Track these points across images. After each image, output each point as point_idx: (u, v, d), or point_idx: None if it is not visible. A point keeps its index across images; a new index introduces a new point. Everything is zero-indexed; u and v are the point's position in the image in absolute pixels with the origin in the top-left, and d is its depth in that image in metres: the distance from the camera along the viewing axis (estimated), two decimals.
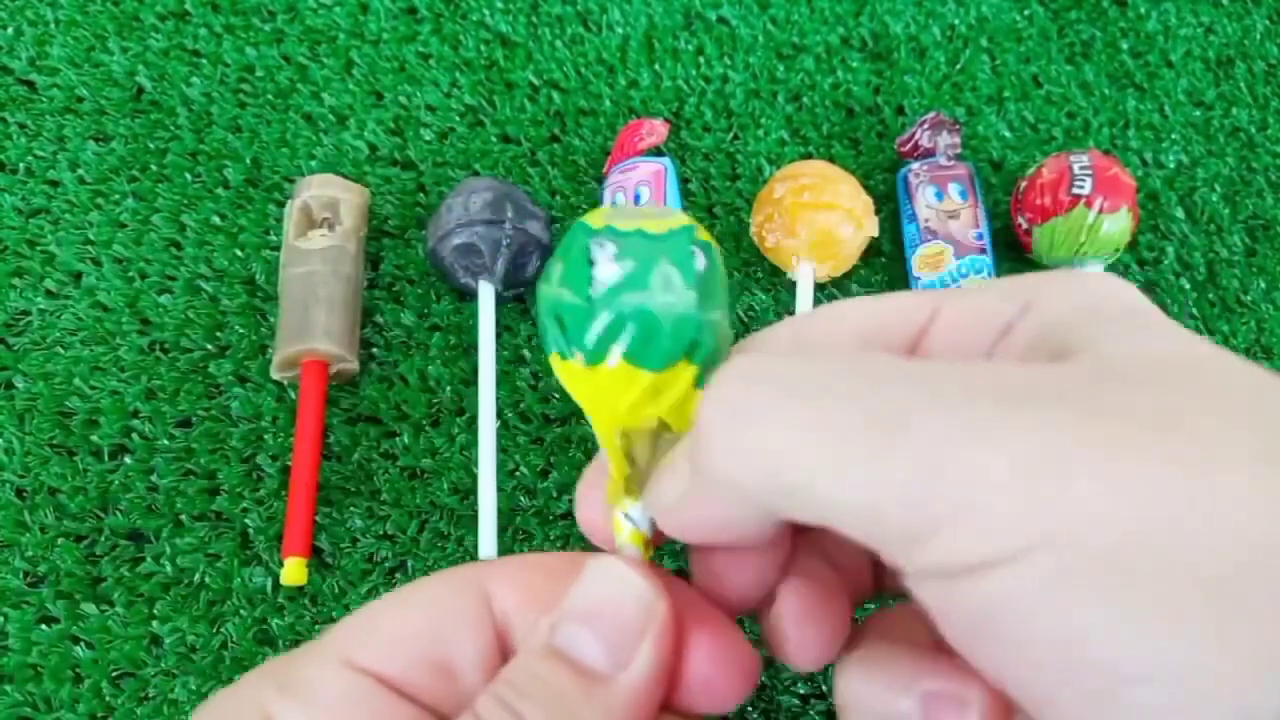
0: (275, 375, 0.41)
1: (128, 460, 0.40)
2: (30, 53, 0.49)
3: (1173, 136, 0.51)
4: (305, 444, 0.39)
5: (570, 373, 0.19)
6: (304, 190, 0.43)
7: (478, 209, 0.42)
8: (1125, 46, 0.53)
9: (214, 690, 0.36)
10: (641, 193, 0.44)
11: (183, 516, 0.39)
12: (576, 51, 0.51)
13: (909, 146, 0.47)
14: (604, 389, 0.19)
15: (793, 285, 0.44)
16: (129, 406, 0.41)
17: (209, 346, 0.43)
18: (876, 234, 0.44)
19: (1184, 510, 0.12)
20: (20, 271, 0.44)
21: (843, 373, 0.15)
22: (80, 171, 0.46)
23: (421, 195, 0.47)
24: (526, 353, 0.43)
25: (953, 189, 0.45)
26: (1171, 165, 0.50)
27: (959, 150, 0.46)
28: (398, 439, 0.41)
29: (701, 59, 0.52)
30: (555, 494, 0.40)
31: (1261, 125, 0.51)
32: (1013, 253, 0.46)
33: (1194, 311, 0.46)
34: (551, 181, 0.48)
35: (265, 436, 0.41)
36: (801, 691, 0.37)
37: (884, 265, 0.46)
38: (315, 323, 0.40)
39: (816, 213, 0.42)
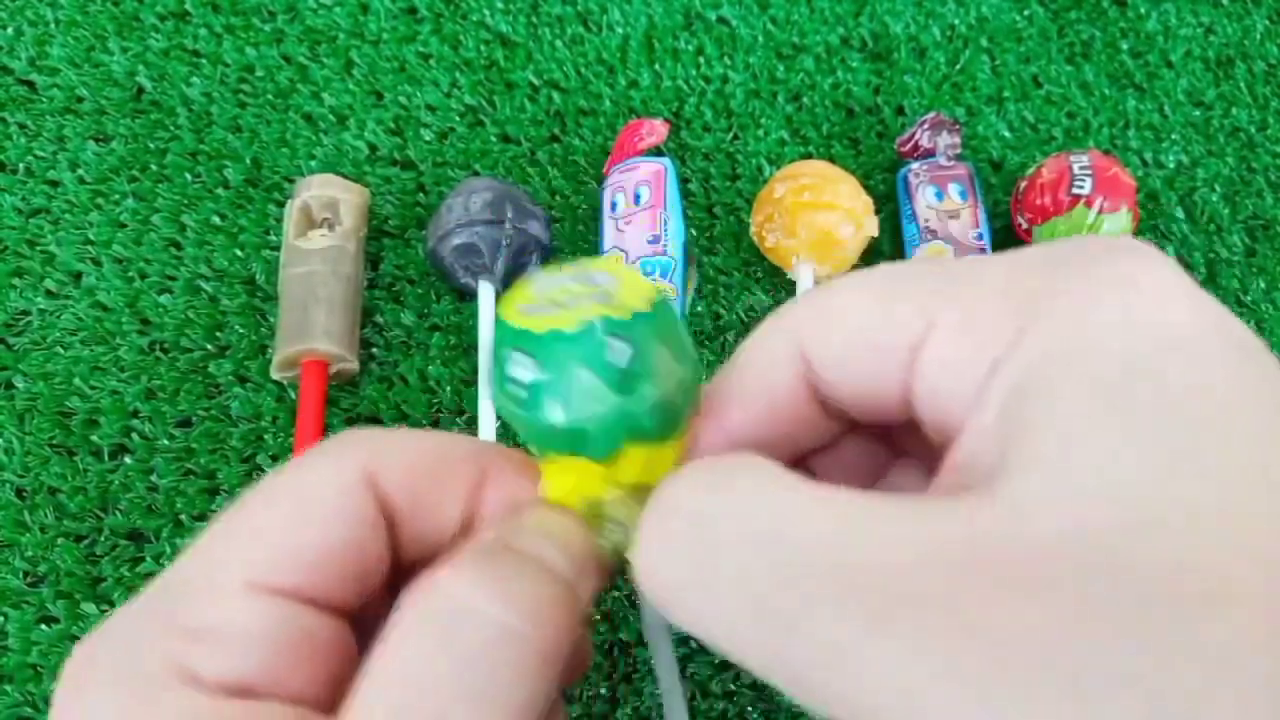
0: (275, 375, 0.41)
1: (128, 460, 0.40)
2: (30, 53, 0.49)
3: (1173, 136, 0.51)
4: (305, 444, 0.39)
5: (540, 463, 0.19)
6: (304, 190, 0.43)
7: (478, 209, 0.42)
8: (1125, 46, 0.53)
9: None
10: (641, 193, 0.44)
11: (183, 516, 0.39)
12: (576, 51, 0.51)
13: (909, 146, 0.47)
14: (558, 472, 0.19)
15: (793, 285, 0.44)
16: (129, 406, 0.41)
17: (209, 346, 0.43)
18: (876, 234, 0.44)
19: None
20: (20, 271, 0.44)
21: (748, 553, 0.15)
22: (80, 171, 0.46)
23: (421, 195, 0.47)
24: None
25: (953, 189, 0.45)
26: (1171, 165, 0.50)
27: (959, 150, 0.46)
28: None
29: (701, 59, 0.52)
30: None
31: (1261, 125, 0.51)
32: None
33: None
34: (551, 181, 0.48)
35: (265, 436, 0.41)
36: None
37: None
38: (315, 323, 0.40)
39: (816, 213, 0.42)
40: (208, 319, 0.43)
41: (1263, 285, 0.47)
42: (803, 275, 0.43)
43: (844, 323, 0.17)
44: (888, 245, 0.46)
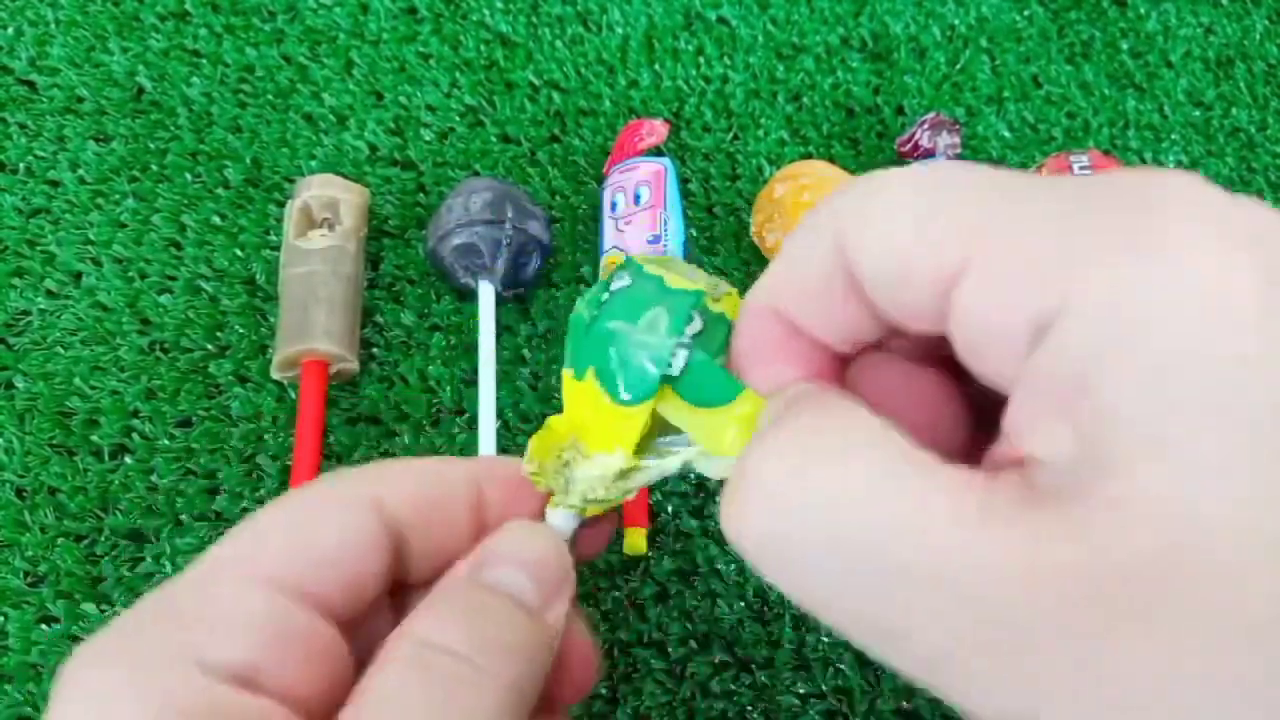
0: (275, 375, 0.41)
1: (128, 460, 0.40)
2: (30, 53, 0.49)
3: (1173, 136, 0.51)
4: (305, 444, 0.39)
5: (565, 382, 0.20)
6: (304, 190, 0.43)
7: (478, 209, 0.42)
8: (1125, 47, 0.53)
9: None
10: (641, 193, 0.44)
11: (183, 516, 0.39)
12: (576, 51, 0.51)
13: (909, 146, 0.47)
14: (580, 403, 0.20)
15: None
16: (129, 406, 0.41)
17: (209, 346, 0.43)
18: None
19: None
20: (20, 271, 0.44)
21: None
22: (80, 171, 0.46)
23: (421, 195, 0.47)
24: (526, 353, 0.43)
25: None
26: (1171, 165, 0.50)
27: (959, 150, 0.46)
28: (398, 439, 0.41)
29: (701, 59, 0.52)
30: None
31: (1261, 125, 0.51)
32: None
33: None
34: (551, 181, 0.48)
35: (265, 436, 0.41)
36: (801, 691, 0.37)
37: None
38: (315, 323, 0.40)
39: None
40: (208, 319, 0.43)
41: None
42: None
43: (880, 235, 0.16)
44: None
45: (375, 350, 0.43)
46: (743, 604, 0.38)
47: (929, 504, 0.14)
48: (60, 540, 0.38)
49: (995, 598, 0.13)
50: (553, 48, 0.51)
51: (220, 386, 0.42)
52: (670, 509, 0.40)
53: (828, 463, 0.15)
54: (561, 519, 0.21)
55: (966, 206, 0.15)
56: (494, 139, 0.49)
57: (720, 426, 0.19)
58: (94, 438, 0.40)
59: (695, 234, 0.47)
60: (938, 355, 0.18)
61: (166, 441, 0.40)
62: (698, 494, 0.40)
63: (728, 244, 0.46)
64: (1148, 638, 0.12)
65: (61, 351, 0.42)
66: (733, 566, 0.39)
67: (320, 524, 0.19)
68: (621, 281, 0.20)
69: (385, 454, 0.41)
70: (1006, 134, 0.50)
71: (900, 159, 0.48)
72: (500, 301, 0.43)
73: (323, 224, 0.43)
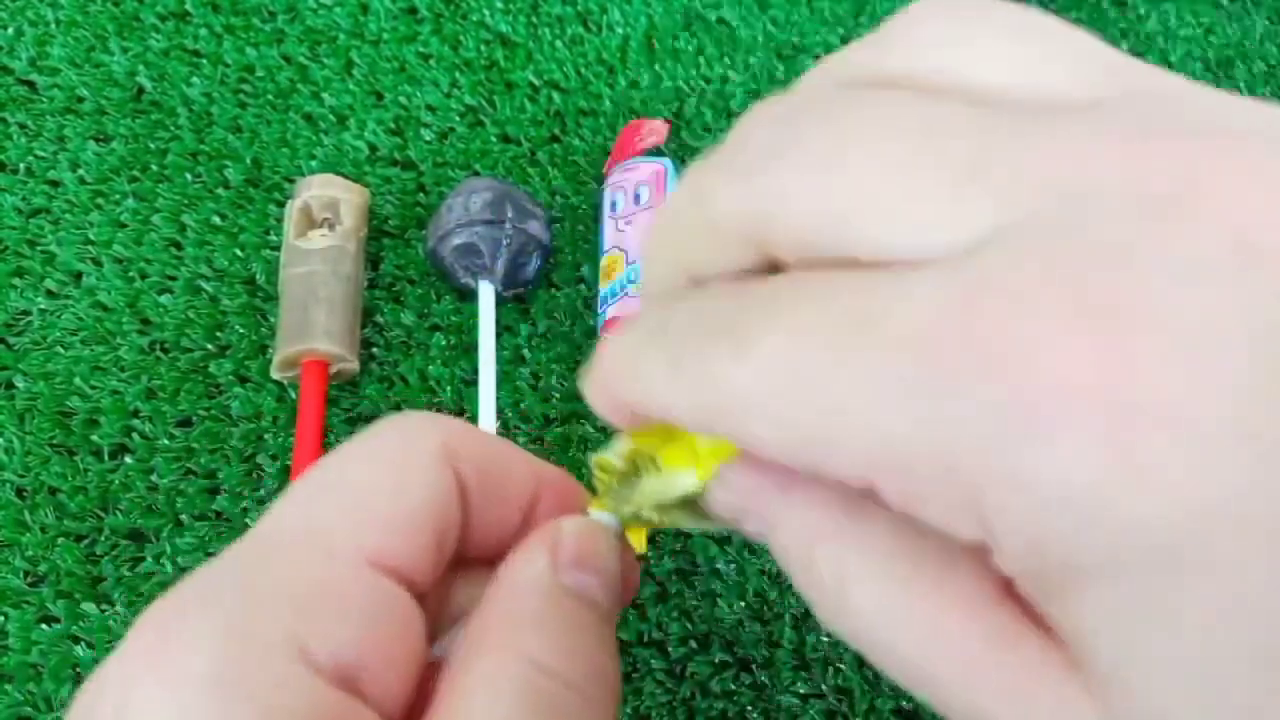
0: (275, 375, 0.41)
1: (128, 460, 0.40)
2: (30, 53, 0.49)
3: None
4: (305, 444, 0.39)
5: None
6: (304, 190, 0.43)
7: (478, 209, 0.42)
8: (1125, 47, 0.53)
9: None
10: (642, 193, 0.44)
11: (183, 516, 0.39)
12: (576, 51, 0.51)
13: None
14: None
15: None
16: (129, 406, 0.41)
17: (209, 346, 0.43)
18: None
19: None
20: (20, 271, 0.44)
21: None
22: (80, 171, 0.46)
23: (421, 195, 0.47)
24: (526, 353, 0.43)
25: None
26: None
27: None
28: None
29: (701, 59, 0.52)
30: None
31: None
32: None
33: None
34: (551, 181, 0.48)
35: (265, 436, 0.41)
36: (801, 691, 0.37)
37: None
38: (315, 323, 0.40)
39: None
40: (208, 319, 0.43)
41: None
42: None
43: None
44: None
45: (375, 350, 0.43)
46: (743, 604, 0.38)
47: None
48: (60, 540, 0.38)
49: None
50: (553, 48, 0.51)
51: (220, 386, 0.42)
52: None
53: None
54: (606, 520, 0.20)
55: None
56: (494, 139, 0.49)
57: None
58: (94, 437, 0.40)
59: None
60: None
61: (166, 441, 0.40)
62: None
63: None
64: None
65: (61, 351, 0.42)
66: (732, 566, 0.39)
67: (415, 483, 0.17)
68: None
69: None
70: None
71: None
72: (500, 301, 0.43)
73: (323, 224, 0.43)
